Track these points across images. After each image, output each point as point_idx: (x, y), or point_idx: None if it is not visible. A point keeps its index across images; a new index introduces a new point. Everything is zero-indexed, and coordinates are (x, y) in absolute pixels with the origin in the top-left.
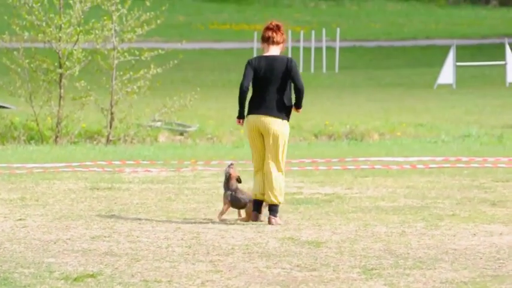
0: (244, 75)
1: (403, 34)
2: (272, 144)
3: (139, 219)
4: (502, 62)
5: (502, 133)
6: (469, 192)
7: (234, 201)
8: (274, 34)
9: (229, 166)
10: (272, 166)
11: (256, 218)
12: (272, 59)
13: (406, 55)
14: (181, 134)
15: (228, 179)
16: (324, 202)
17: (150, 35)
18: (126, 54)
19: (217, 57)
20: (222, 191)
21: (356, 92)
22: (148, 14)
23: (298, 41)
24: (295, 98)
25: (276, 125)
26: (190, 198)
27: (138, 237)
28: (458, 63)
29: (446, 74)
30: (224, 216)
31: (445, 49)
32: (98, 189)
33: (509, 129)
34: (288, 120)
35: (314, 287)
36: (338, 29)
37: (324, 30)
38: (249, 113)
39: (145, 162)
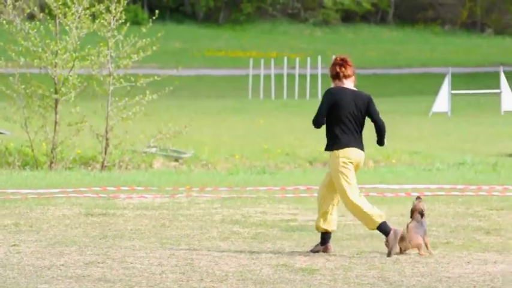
0: (320, 111)
1: (398, 62)
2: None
3: (133, 245)
4: (497, 90)
5: (497, 161)
6: (464, 220)
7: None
8: (343, 68)
9: (417, 199)
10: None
11: (328, 250)
12: (351, 92)
13: (402, 83)
14: (176, 160)
15: (412, 211)
16: None
17: (145, 61)
18: (121, 80)
19: (212, 83)
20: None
21: None
22: (144, 40)
23: (294, 68)
24: (379, 135)
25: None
26: (185, 225)
27: (132, 263)
28: (453, 91)
29: (441, 102)
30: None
31: (440, 77)
32: (92, 215)
33: (504, 158)
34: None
35: None
36: (333, 57)
37: (319, 58)
38: (346, 145)
39: (139, 188)
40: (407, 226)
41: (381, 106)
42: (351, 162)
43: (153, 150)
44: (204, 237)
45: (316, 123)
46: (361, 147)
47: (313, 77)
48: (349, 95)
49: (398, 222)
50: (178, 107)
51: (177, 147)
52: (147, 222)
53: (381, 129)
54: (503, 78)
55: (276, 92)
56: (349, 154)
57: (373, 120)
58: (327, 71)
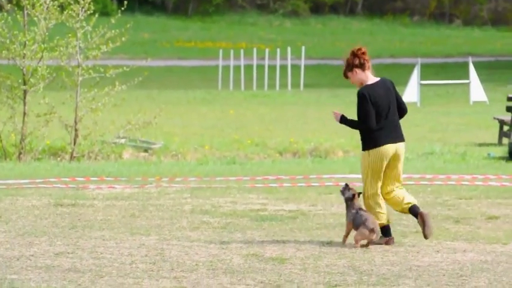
0: (368, 114)
1: (368, 52)
2: (399, 167)
3: (103, 235)
4: (466, 81)
5: (466, 151)
6: (433, 209)
7: (355, 220)
8: (366, 58)
9: (348, 188)
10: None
11: (390, 242)
12: (380, 83)
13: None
14: (146, 150)
15: (352, 199)
16: (288, 219)
17: (115, 52)
18: (90, 71)
19: (182, 74)
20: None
21: (321, 109)
22: (113, 31)
23: (264, 58)
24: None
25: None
26: (155, 215)
27: (101, 253)
28: (422, 82)
29: (411, 92)
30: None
31: (410, 68)
32: (61, 205)
33: (473, 147)
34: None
35: None
36: (303, 47)
37: (289, 49)
38: (385, 142)
39: (109, 178)
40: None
41: (351, 97)
42: (387, 159)
43: (123, 140)
44: (174, 227)
45: (369, 128)
46: (403, 138)
47: (283, 67)
48: (379, 88)
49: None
50: (148, 97)
51: (146, 137)
52: (116, 212)
53: (405, 113)
54: (471, 68)
55: (246, 82)
56: (390, 149)
57: (400, 105)
58: (297, 62)
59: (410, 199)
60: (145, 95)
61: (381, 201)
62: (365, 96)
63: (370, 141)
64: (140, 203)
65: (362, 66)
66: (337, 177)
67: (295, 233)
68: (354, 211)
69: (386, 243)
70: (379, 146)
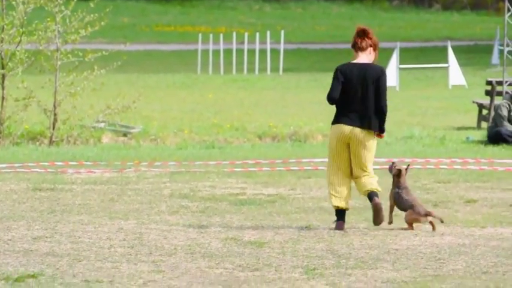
0: (333, 87)
1: (347, 37)
2: (366, 154)
3: (82, 219)
4: (445, 65)
5: (444, 135)
6: (412, 193)
7: (397, 200)
8: (359, 40)
9: (394, 165)
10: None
11: (342, 227)
12: (361, 66)
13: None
14: (125, 135)
15: (398, 175)
16: (267, 203)
17: (93, 36)
18: (69, 55)
19: (161, 58)
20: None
21: (300, 93)
22: (92, 15)
23: (243, 43)
24: (379, 119)
25: (370, 137)
26: (133, 199)
27: (80, 237)
28: (401, 66)
29: (390, 76)
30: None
31: (389, 52)
32: (40, 190)
33: (452, 131)
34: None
35: (256, 287)
36: (282, 32)
37: (268, 33)
38: (340, 121)
39: (88, 163)
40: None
41: (329, 80)
42: (340, 139)
43: (102, 125)
44: (152, 211)
45: (329, 99)
46: (366, 126)
47: (262, 52)
48: (356, 70)
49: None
50: (127, 82)
51: (125, 122)
52: (95, 196)
53: (380, 109)
54: (451, 52)
55: (225, 67)
56: (342, 130)
57: (377, 100)
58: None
59: (372, 186)
60: (124, 79)
61: (338, 185)
62: (336, 71)
63: (334, 118)
64: (119, 187)
65: (353, 47)
66: (316, 161)
67: (273, 217)
68: (396, 190)
69: (336, 227)
70: (335, 123)
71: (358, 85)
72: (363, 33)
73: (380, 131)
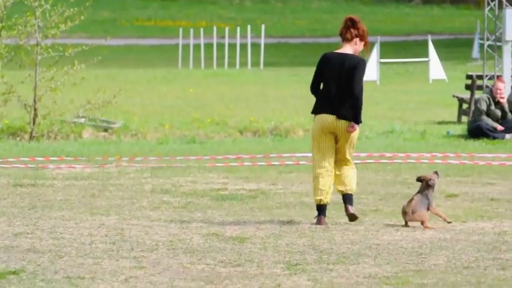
0: (315, 74)
1: (327, 31)
2: (346, 143)
3: (63, 215)
4: (425, 59)
5: (425, 129)
6: (393, 187)
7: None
8: (344, 31)
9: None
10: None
11: (323, 222)
12: (341, 56)
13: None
14: (106, 130)
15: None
16: (248, 198)
17: (74, 31)
18: (49, 50)
19: (142, 53)
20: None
21: (281, 88)
22: (72, 9)
23: (223, 37)
24: (353, 107)
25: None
26: (115, 195)
27: (61, 233)
28: (382, 60)
29: (370, 71)
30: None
31: (369, 46)
32: (21, 185)
33: (432, 125)
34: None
35: (238, 282)
36: (263, 26)
37: (249, 27)
38: (322, 111)
39: (69, 158)
40: (413, 198)
41: (310, 75)
42: (324, 129)
43: (82, 120)
44: (134, 207)
45: (311, 87)
46: (342, 114)
47: (243, 46)
48: (337, 61)
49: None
50: (107, 76)
51: (106, 117)
52: (76, 192)
53: (354, 99)
54: (431, 46)
55: (206, 61)
56: (322, 120)
57: (350, 86)
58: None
59: (350, 187)
60: (105, 74)
61: (322, 177)
62: (320, 59)
63: (314, 107)
64: (100, 182)
65: (340, 36)
66: (297, 156)
67: (255, 212)
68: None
69: (317, 222)
70: (317, 113)
71: (336, 75)
72: (350, 23)
73: (355, 121)
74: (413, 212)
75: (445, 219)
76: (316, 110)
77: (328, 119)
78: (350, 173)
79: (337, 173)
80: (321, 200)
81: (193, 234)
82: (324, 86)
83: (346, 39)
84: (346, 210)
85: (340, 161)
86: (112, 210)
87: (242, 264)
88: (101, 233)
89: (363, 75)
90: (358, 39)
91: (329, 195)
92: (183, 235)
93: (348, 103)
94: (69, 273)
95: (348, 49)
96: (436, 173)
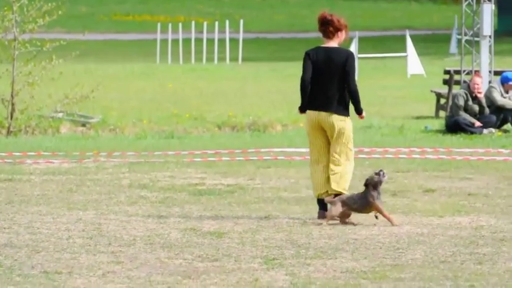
0: (304, 69)
1: (305, 26)
2: (338, 139)
3: (40, 210)
4: (403, 54)
5: (403, 124)
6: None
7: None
8: (324, 28)
9: (383, 175)
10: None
11: (323, 216)
12: (330, 50)
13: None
14: (84, 125)
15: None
16: (226, 193)
17: (51, 25)
18: (27, 45)
19: (120, 48)
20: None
21: (259, 83)
22: (49, 4)
23: (202, 32)
24: (351, 101)
25: (339, 121)
26: (92, 190)
27: (38, 228)
28: (360, 55)
29: None
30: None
31: (347, 41)
32: None
33: (410, 120)
34: (349, 115)
35: (216, 277)
36: (241, 21)
37: (227, 22)
38: (309, 108)
39: (46, 153)
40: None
41: (289, 70)
42: (315, 125)
43: (60, 115)
44: (111, 201)
45: (302, 80)
46: (334, 110)
47: (221, 41)
48: (324, 55)
49: (306, 185)
50: (85, 71)
51: (84, 112)
52: (54, 187)
53: (351, 93)
54: (409, 41)
55: (184, 56)
56: (313, 116)
57: (346, 81)
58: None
59: (337, 188)
60: (83, 69)
61: (316, 172)
62: (306, 55)
63: (302, 105)
64: (78, 177)
65: (323, 33)
66: (275, 151)
67: (233, 207)
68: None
69: (318, 216)
70: (307, 110)
71: (325, 69)
72: (325, 23)
73: (357, 112)
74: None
75: (384, 216)
76: (306, 107)
77: (316, 115)
78: (341, 172)
79: (330, 171)
80: (318, 194)
81: (171, 229)
82: (312, 81)
83: (328, 37)
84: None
85: (332, 160)
86: (89, 205)
87: (220, 259)
88: (78, 228)
89: (355, 68)
90: (338, 32)
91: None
92: (160, 230)
93: (336, 98)
94: (46, 268)
95: (332, 43)
96: (378, 173)
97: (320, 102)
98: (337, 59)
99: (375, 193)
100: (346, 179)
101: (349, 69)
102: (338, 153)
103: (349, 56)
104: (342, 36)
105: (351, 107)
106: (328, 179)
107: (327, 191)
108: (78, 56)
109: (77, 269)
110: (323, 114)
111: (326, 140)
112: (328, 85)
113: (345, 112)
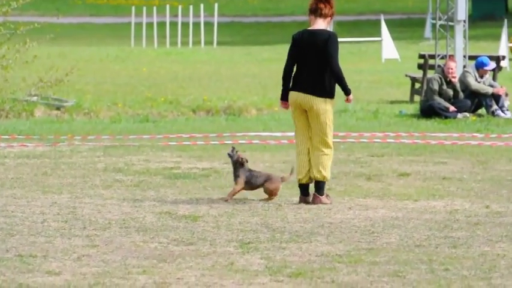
0: (287, 57)
1: (280, 10)
2: (316, 122)
3: (15, 193)
4: (378, 38)
5: (378, 108)
6: (345, 166)
7: (249, 182)
8: (323, 6)
9: (234, 151)
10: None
11: (304, 201)
12: (314, 32)
13: (284, 31)
14: (58, 108)
15: (241, 163)
16: (201, 177)
17: (25, 8)
18: (0, 27)
19: (94, 31)
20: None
21: (234, 67)
22: None
23: (176, 16)
24: (337, 83)
25: (318, 103)
26: (67, 173)
27: (13, 212)
28: None
29: None
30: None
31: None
32: None
33: (385, 105)
34: (332, 98)
35: (191, 261)
36: (216, 5)
37: (202, 6)
38: (292, 89)
39: (21, 137)
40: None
41: (264, 54)
42: (297, 107)
43: (34, 98)
44: (86, 185)
45: (283, 71)
46: (316, 92)
47: (196, 25)
48: (310, 35)
49: (281, 169)
50: (60, 55)
51: (58, 95)
52: (28, 170)
53: (335, 75)
54: (384, 26)
55: (159, 40)
56: (294, 98)
57: (328, 62)
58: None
59: (320, 174)
60: (57, 52)
61: (299, 155)
62: (292, 39)
63: (286, 88)
64: (52, 161)
65: (314, 12)
66: (250, 135)
67: (208, 191)
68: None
69: (299, 201)
70: (290, 91)
71: (308, 51)
72: (326, 0)
73: (346, 93)
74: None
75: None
76: (284, 96)
77: (297, 96)
78: (323, 158)
79: (312, 155)
80: (299, 179)
81: (146, 213)
82: (297, 63)
83: (323, 15)
84: (313, 198)
85: (314, 142)
86: (64, 189)
87: (195, 242)
88: (53, 212)
89: (337, 48)
90: (330, 18)
91: (309, 174)
92: (135, 214)
93: (319, 80)
94: (21, 251)
95: (320, 24)
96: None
97: (302, 83)
98: (320, 40)
99: (241, 171)
100: (324, 165)
101: (330, 50)
102: (318, 137)
103: (331, 37)
104: (329, 23)
105: (339, 91)
106: (309, 163)
107: (309, 176)
108: (53, 39)
109: (52, 252)
110: (303, 95)
111: (307, 122)
112: (311, 67)
113: (326, 94)
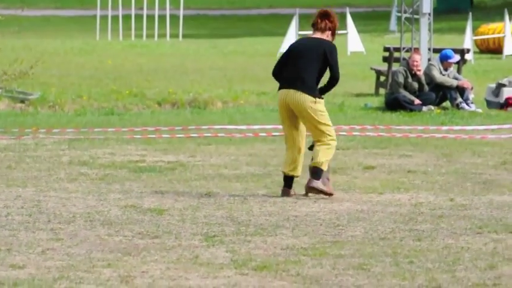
0: (276, 62)
1: (246, 3)
2: (304, 118)
3: None
4: (343, 31)
5: (343, 101)
6: (310, 159)
7: None
8: (319, 20)
9: None
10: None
11: (287, 194)
12: (312, 39)
13: (250, 24)
14: (22, 101)
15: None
16: (166, 170)
17: None
18: None
19: (59, 24)
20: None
21: (199, 60)
22: None
23: (142, 8)
24: (326, 84)
25: (305, 100)
26: (31, 166)
27: None
28: (300, 32)
29: (289, 43)
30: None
31: (288, 18)
32: None
33: (351, 98)
34: (319, 97)
35: (156, 254)
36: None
37: None
38: (280, 87)
39: None
40: None
41: (229, 47)
42: (281, 104)
43: None
44: (51, 178)
45: (273, 72)
46: (305, 90)
47: (162, 17)
48: (306, 42)
49: (247, 162)
50: (24, 47)
51: (23, 88)
52: None
53: (333, 81)
54: (349, 19)
55: (124, 32)
56: (282, 95)
57: (329, 70)
58: (176, 12)
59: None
60: (22, 45)
61: (286, 150)
62: (289, 48)
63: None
64: (17, 154)
65: (313, 26)
66: (216, 128)
67: (173, 184)
68: None
69: (281, 193)
70: (279, 90)
71: (304, 54)
72: (324, 15)
73: (320, 92)
74: None
75: None
76: (279, 87)
77: (285, 93)
78: (321, 149)
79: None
80: (283, 172)
81: (111, 206)
82: (289, 63)
83: (320, 29)
84: (308, 183)
85: (316, 142)
86: (29, 182)
87: (160, 236)
88: (17, 205)
89: (337, 60)
90: (330, 32)
91: (295, 168)
92: (100, 207)
93: (308, 80)
94: None
95: (318, 35)
96: None
97: (291, 81)
98: (319, 48)
99: None
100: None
101: (332, 63)
102: (317, 136)
103: (333, 47)
104: (330, 39)
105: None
106: (294, 160)
107: (290, 172)
108: (17, 32)
109: (16, 246)
110: (291, 91)
111: (293, 121)
112: (304, 68)
113: (314, 93)
